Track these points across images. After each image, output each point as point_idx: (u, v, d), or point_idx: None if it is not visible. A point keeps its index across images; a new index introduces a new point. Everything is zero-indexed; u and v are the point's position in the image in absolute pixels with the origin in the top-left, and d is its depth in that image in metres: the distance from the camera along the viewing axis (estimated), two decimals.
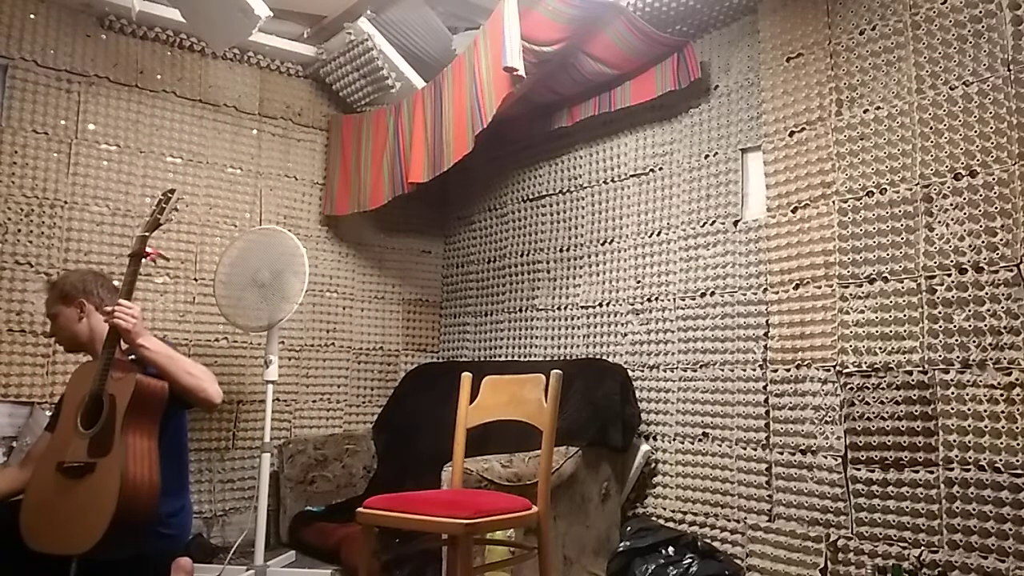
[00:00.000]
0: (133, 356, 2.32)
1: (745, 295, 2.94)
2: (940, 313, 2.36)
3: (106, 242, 3.31)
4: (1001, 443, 2.19)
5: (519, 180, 3.99)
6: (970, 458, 2.26)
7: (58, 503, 2.14)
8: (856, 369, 2.55)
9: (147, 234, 2.42)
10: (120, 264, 3.28)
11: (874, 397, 2.49)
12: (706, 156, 3.15)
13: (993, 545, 2.19)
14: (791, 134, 2.82)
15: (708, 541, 2.86)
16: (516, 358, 3.84)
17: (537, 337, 3.77)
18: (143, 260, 2.40)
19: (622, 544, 2.91)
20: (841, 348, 2.59)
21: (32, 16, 3.21)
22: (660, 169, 3.32)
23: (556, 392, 2.26)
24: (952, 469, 2.29)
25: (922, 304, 2.41)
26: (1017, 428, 2.17)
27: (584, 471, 2.88)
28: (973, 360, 2.28)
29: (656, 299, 3.25)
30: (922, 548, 2.34)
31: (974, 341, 2.28)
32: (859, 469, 2.51)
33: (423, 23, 3.61)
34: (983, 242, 2.29)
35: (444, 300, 4.36)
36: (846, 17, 2.69)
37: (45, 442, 2.45)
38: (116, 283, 2.56)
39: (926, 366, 2.38)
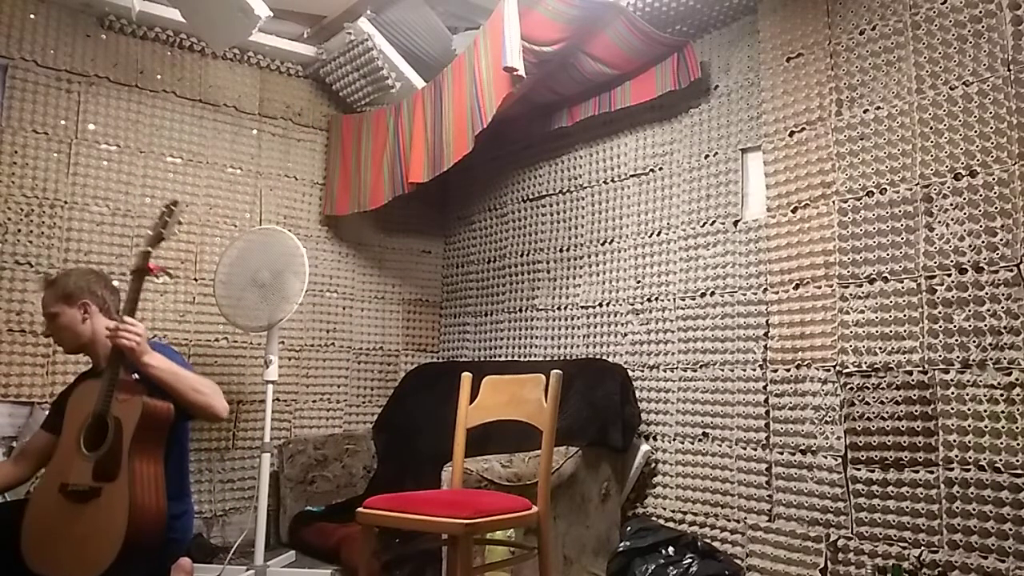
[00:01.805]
0: (136, 373, 2.28)
1: (745, 295, 2.94)
2: (940, 313, 2.36)
3: (106, 242, 3.30)
4: (1001, 443, 2.19)
5: (519, 180, 3.99)
6: (970, 458, 2.26)
7: (62, 527, 2.10)
8: (856, 369, 2.55)
9: (150, 249, 2.37)
10: (120, 264, 3.28)
11: (874, 397, 2.49)
12: (706, 156, 3.15)
13: (993, 545, 2.18)
14: (791, 134, 2.82)
15: (708, 541, 2.86)
16: (516, 358, 3.83)
17: (537, 337, 3.77)
18: (146, 276, 2.35)
19: (622, 544, 2.91)
20: (841, 348, 2.59)
21: (32, 16, 3.21)
22: (660, 169, 3.32)
23: (556, 392, 2.26)
24: (952, 469, 2.29)
25: (922, 304, 2.41)
26: (1017, 428, 2.17)
27: (584, 471, 2.88)
28: (973, 360, 2.28)
29: (656, 299, 3.25)
30: (922, 548, 2.34)
31: (974, 341, 2.28)
32: (859, 469, 2.50)
33: (423, 23, 3.61)
34: (983, 242, 2.29)
35: (444, 300, 4.36)
36: (846, 17, 2.69)
37: (40, 440, 2.44)
38: (115, 283, 2.55)
39: (926, 366, 2.38)
